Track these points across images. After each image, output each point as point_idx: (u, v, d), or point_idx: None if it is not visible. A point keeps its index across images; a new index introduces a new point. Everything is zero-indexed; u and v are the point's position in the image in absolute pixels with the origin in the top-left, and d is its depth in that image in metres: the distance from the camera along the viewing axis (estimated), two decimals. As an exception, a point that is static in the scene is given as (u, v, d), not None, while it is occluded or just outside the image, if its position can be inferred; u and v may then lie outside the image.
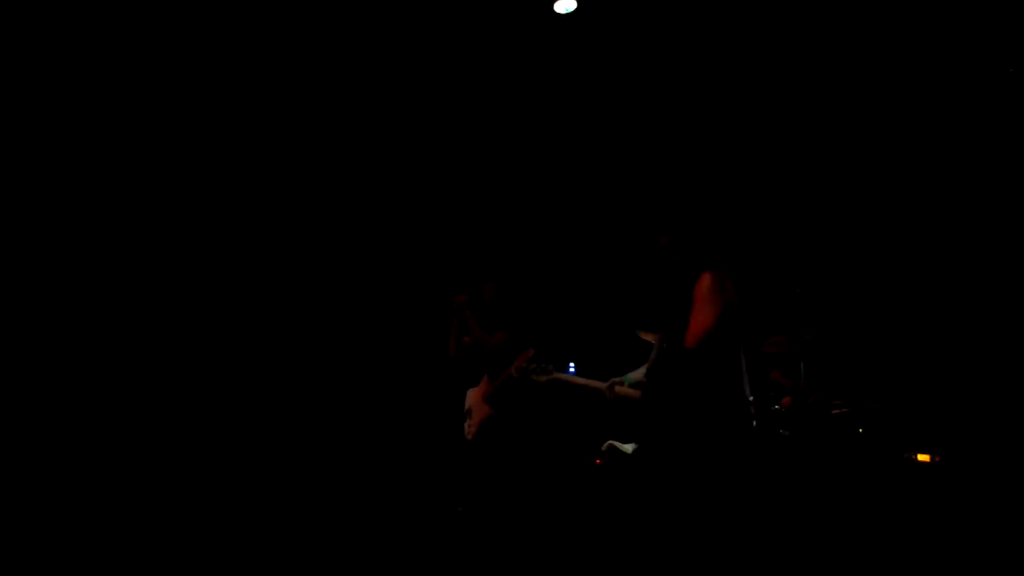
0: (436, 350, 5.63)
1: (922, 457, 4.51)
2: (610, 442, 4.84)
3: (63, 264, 5.84)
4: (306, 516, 5.38)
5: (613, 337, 4.76)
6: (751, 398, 3.70)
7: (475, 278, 5.55)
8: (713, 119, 5.80)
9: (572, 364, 5.45)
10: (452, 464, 5.39)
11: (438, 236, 6.66)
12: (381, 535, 5.15)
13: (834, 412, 4.61)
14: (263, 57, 5.51)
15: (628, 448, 4.60)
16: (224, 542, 4.91)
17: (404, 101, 5.96)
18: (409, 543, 4.98)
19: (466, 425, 5.41)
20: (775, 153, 5.83)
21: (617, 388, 4.19)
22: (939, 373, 5.15)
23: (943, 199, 5.41)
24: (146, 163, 5.98)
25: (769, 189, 5.89)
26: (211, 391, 6.02)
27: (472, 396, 5.45)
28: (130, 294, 6.03)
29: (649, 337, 4.38)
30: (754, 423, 3.82)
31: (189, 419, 5.89)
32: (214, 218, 6.23)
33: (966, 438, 4.76)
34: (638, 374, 4.22)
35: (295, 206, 6.44)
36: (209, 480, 5.64)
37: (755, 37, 5.16)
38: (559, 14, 5.14)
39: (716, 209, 5.68)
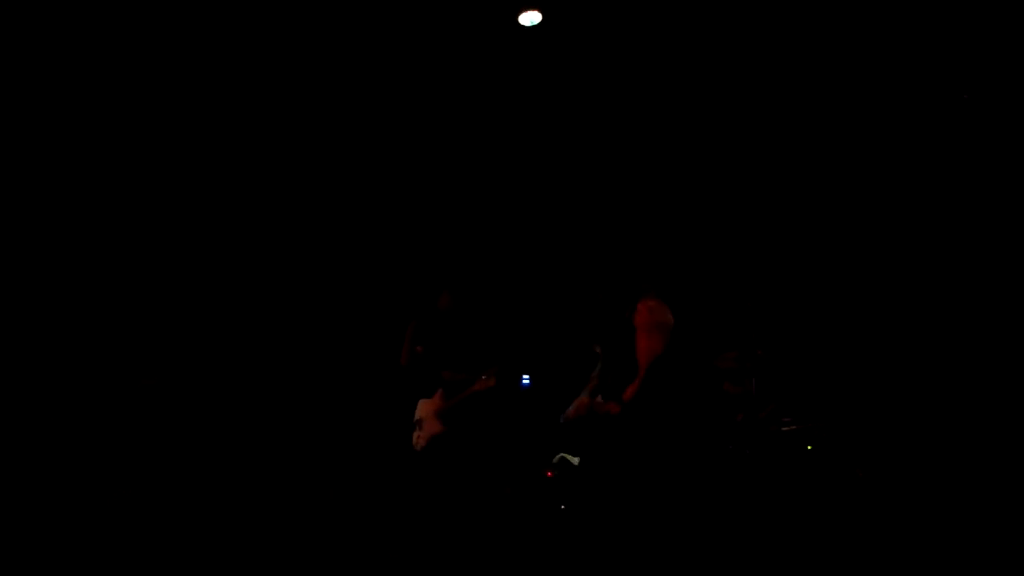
0: (388, 359, 5.60)
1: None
2: (561, 455, 4.82)
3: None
4: (245, 522, 5.26)
5: (567, 348, 4.76)
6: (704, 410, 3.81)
7: (431, 288, 5.54)
8: (671, 131, 5.86)
9: (526, 376, 5.44)
10: (399, 471, 5.34)
11: (394, 245, 6.63)
12: (326, 542, 5.04)
13: (783, 428, 4.63)
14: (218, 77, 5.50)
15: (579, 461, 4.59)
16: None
17: (369, 111, 5.95)
18: (356, 551, 4.88)
19: (415, 435, 5.36)
20: (731, 170, 5.90)
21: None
22: (887, 390, 5.21)
23: (890, 217, 5.51)
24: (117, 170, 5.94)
25: (725, 206, 5.96)
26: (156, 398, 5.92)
27: (424, 408, 5.40)
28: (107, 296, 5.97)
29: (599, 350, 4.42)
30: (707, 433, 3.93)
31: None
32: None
33: (911, 454, 4.81)
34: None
35: (252, 215, 6.38)
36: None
37: (711, 52, 5.25)
38: (524, 26, 5.17)
39: (665, 225, 5.76)
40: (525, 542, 4.62)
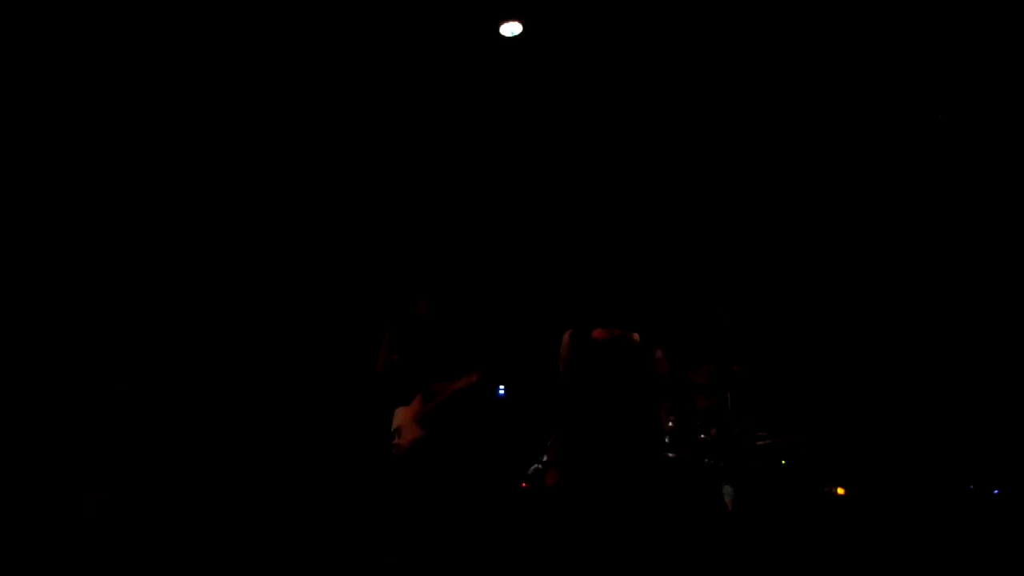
0: (364, 366, 5.56)
1: (840, 491, 4.57)
2: (536, 466, 4.82)
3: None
4: (219, 539, 5.23)
5: (546, 357, 4.75)
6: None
7: (409, 295, 5.51)
8: (650, 142, 5.86)
9: (502, 387, 5.43)
10: (377, 481, 5.30)
11: (371, 252, 6.61)
12: (303, 554, 5.02)
13: (758, 443, 4.64)
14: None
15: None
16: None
17: (348, 121, 5.95)
18: (331, 563, 4.86)
19: (394, 444, 5.33)
20: (710, 183, 5.91)
21: None
22: (863, 408, 5.24)
23: (866, 231, 5.53)
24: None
25: (701, 219, 5.96)
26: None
27: (402, 415, 5.37)
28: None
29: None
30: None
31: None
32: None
33: (885, 472, 4.83)
34: None
35: (224, 219, 6.36)
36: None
37: (692, 63, 5.26)
38: (505, 37, 5.16)
39: (644, 236, 5.76)
40: (508, 549, 4.62)
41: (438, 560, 4.53)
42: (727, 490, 4.49)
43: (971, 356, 5.06)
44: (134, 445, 5.67)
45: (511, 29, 5.09)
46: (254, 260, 6.44)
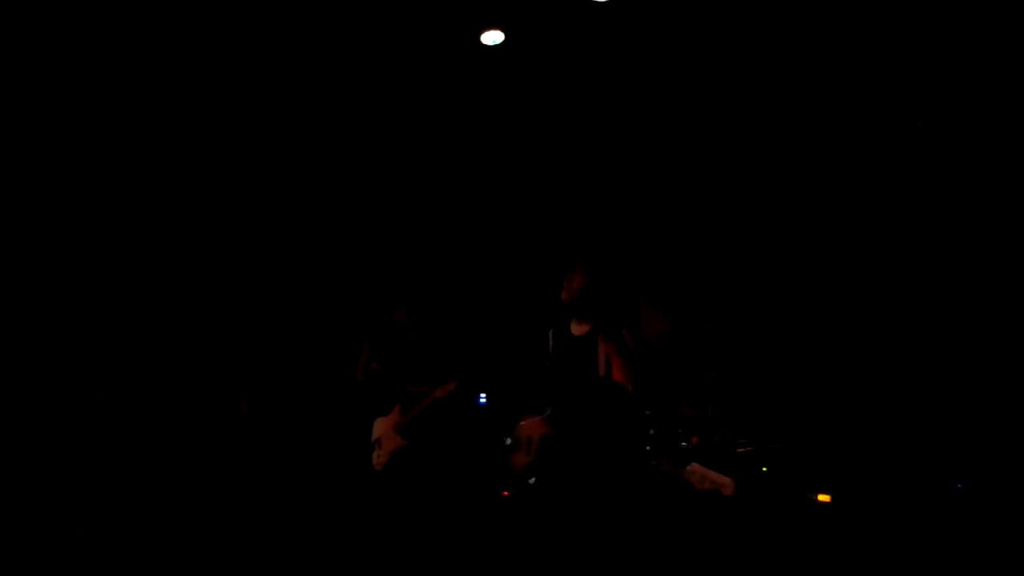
0: (344, 375, 5.55)
1: (822, 497, 4.58)
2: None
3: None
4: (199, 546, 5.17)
5: (525, 363, 4.75)
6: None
7: (387, 303, 5.51)
8: (631, 148, 5.90)
9: (483, 395, 5.43)
10: (358, 493, 5.27)
11: (349, 260, 6.60)
12: (283, 565, 4.97)
13: (739, 450, 4.65)
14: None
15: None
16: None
17: (329, 131, 5.97)
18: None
19: (374, 455, 5.30)
20: (690, 189, 5.94)
21: None
22: (842, 413, 5.25)
23: (844, 236, 5.57)
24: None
25: (678, 226, 5.99)
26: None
27: (382, 425, 5.35)
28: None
29: None
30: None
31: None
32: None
33: (866, 479, 4.84)
34: None
35: (200, 225, 6.34)
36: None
37: (672, 71, 5.31)
38: (486, 45, 5.20)
39: (623, 244, 5.78)
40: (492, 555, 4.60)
41: (421, 568, 4.49)
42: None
43: (950, 360, 5.09)
44: (113, 454, 5.62)
45: (492, 38, 5.13)
46: (231, 270, 6.41)
